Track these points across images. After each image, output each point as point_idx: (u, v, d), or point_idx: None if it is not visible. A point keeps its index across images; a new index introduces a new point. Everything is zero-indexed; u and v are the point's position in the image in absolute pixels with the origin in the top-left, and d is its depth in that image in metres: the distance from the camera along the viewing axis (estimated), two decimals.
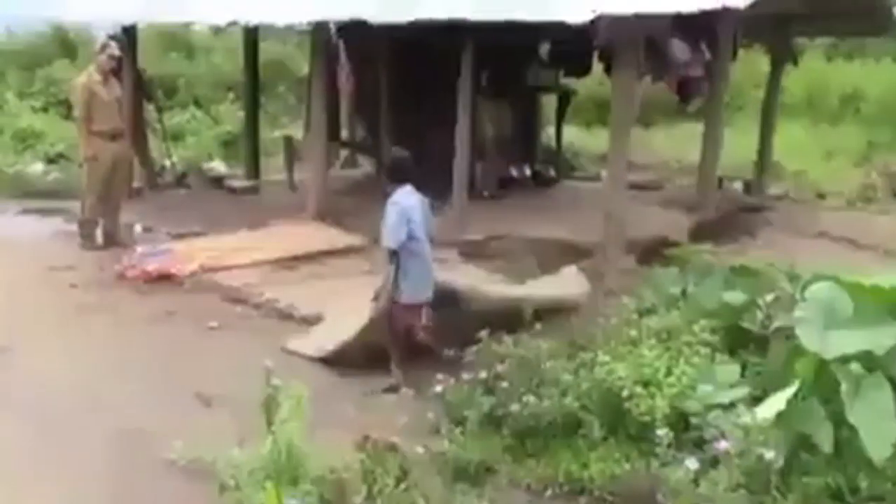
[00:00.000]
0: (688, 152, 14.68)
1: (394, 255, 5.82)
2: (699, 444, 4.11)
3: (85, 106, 8.96)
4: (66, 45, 18.92)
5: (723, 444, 3.72)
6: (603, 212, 8.45)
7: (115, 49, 9.37)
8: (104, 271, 8.19)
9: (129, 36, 11.62)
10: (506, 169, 11.50)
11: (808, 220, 10.39)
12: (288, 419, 3.80)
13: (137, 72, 11.80)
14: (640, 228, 8.70)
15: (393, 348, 5.87)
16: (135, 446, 4.79)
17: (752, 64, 15.47)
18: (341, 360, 6.12)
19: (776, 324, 4.49)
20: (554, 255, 8.49)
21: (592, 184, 12.57)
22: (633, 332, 5.07)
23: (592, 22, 7.78)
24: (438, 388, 4.94)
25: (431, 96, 10.05)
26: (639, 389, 4.47)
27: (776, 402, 3.90)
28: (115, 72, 9.53)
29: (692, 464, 3.68)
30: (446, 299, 6.00)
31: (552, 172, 12.15)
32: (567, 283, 7.42)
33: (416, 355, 5.81)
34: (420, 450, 4.46)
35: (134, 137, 10.70)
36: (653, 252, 8.59)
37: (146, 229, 9.88)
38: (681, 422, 4.30)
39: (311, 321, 6.87)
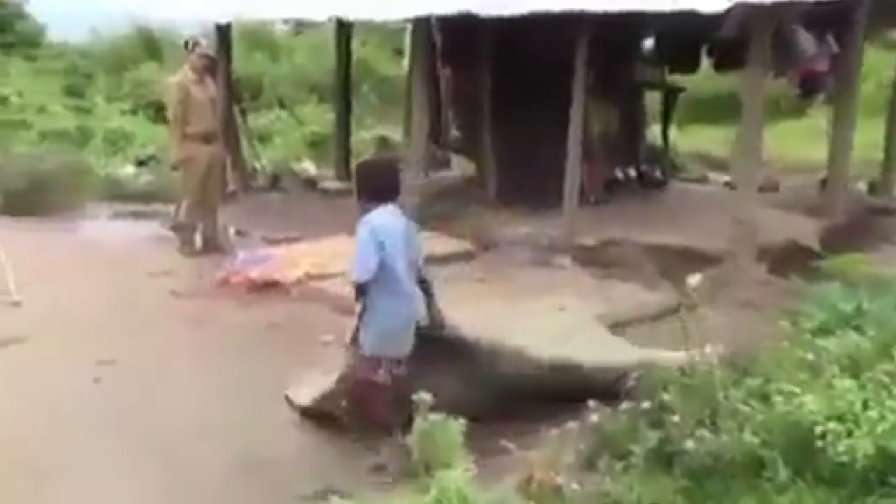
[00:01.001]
0: (788, 150, 13.98)
1: (360, 290, 4.60)
2: None
3: (179, 107, 8.67)
4: (151, 46, 18.90)
5: None
6: (728, 216, 7.89)
7: (206, 48, 9.07)
8: (204, 278, 7.88)
9: (221, 35, 11.37)
10: (611, 170, 10.93)
11: None
12: (449, 460, 3.34)
13: (230, 72, 11.54)
14: (766, 234, 8.08)
15: (347, 414, 4.68)
16: (259, 480, 4.39)
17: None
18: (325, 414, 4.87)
19: None
20: (676, 263, 7.92)
21: (702, 186, 11.98)
22: (810, 357, 4.48)
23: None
24: (594, 418, 4.43)
25: (536, 95, 9.55)
26: (832, 426, 3.90)
27: None
28: (210, 71, 9.25)
29: None
30: (454, 350, 4.78)
31: (659, 174, 11.53)
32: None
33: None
34: (575, 486, 3.98)
35: (226, 139, 10.43)
36: (784, 260, 7.97)
37: (239, 233, 9.60)
38: (891, 465, 3.72)
39: None
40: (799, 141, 14.35)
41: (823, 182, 10.86)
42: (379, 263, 4.51)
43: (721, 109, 17.87)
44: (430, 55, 9.88)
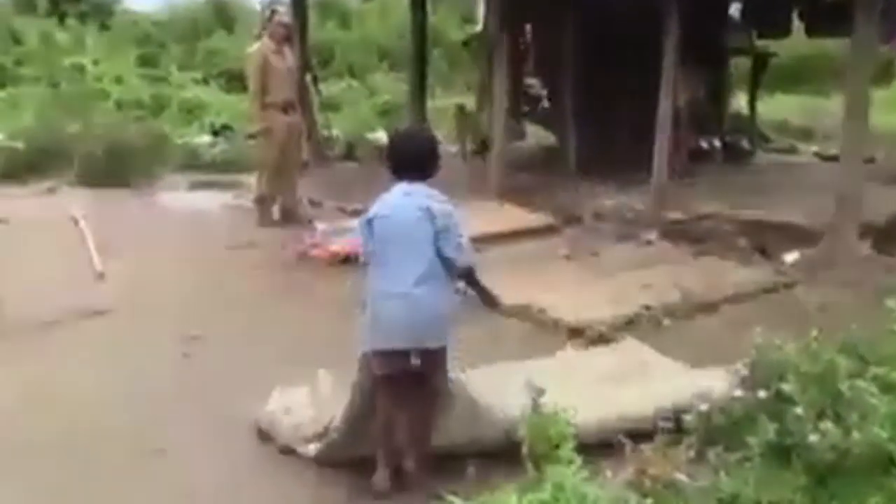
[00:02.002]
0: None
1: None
2: None
3: (259, 76, 8.56)
4: (223, 16, 18.95)
5: None
6: (827, 189, 7.53)
7: (285, 16, 8.94)
8: (285, 250, 7.79)
9: (296, 2, 11.23)
10: (697, 141, 10.56)
11: None
12: (563, 455, 3.15)
13: (305, 40, 11.41)
14: (868, 209, 7.68)
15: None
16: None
17: None
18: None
19: None
20: (772, 239, 7.62)
21: (790, 157, 11.55)
22: None
23: None
24: (702, 406, 4.19)
25: (620, 61, 9.24)
26: None
27: None
28: (288, 40, 9.12)
29: None
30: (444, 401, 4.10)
31: (746, 144, 11.11)
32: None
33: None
34: (681, 476, 3.76)
35: (301, 109, 10.31)
36: (890, 238, 7.58)
37: (313, 203, 9.50)
38: None
39: (517, 313, 6.21)
40: (879, 109, 13.75)
41: None
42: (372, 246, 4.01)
43: (797, 77, 17.30)
44: (510, 20, 9.58)
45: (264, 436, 4.49)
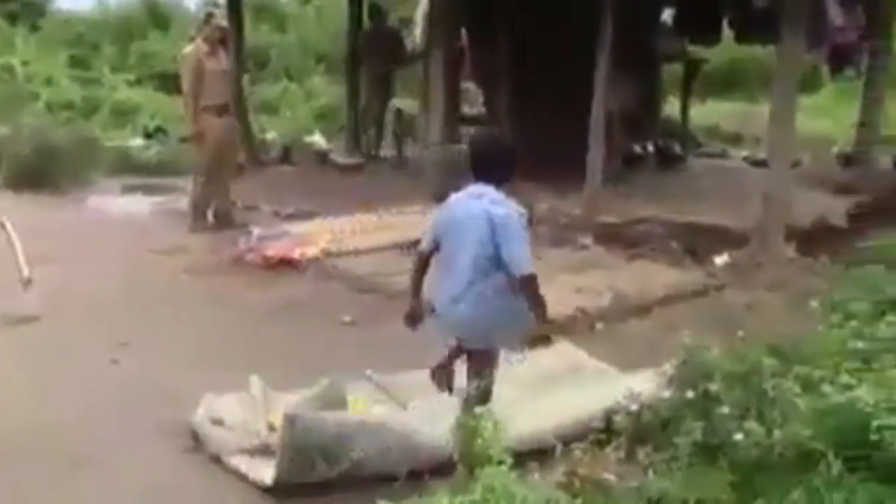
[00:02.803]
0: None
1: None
2: None
3: (194, 79, 8.45)
4: (157, 17, 18.61)
5: None
6: (754, 193, 7.71)
7: (222, 19, 8.85)
8: (218, 255, 7.70)
9: (231, 4, 11.12)
10: (629, 146, 10.70)
11: None
12: (493, 456, 3.17)
13: (241, 43, 11.30)
14: (794, 212, 7.87)
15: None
16: None
17: None
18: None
19: None
20: (702, 242, 7.76)
21: (721, 161, 11.78)
22: (860, 345, 4.30)
23: None
24: (632, 407, 4.25)
25: (555, 67, 9.31)
26: (891, 419, 3.72)
27: None
28: (223, 43, 9.02)
29: None
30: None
31: (678, 149, 11.30)
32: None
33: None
34: (610, 476, 3.81)
35: (236, 112, 10.21)
36: (814, 240, 7.78)
37: (248, 207, 9.40)
38: None
39: None
40: (806, 115, 14.11)
41: (843, 157, 10.66)
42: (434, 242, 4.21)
43: (729, 83, 17.63)
44: (448, 24, 9.61)
45: (194, 443, 4.43)
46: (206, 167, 8.61)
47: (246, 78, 12.40)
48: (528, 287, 4.05)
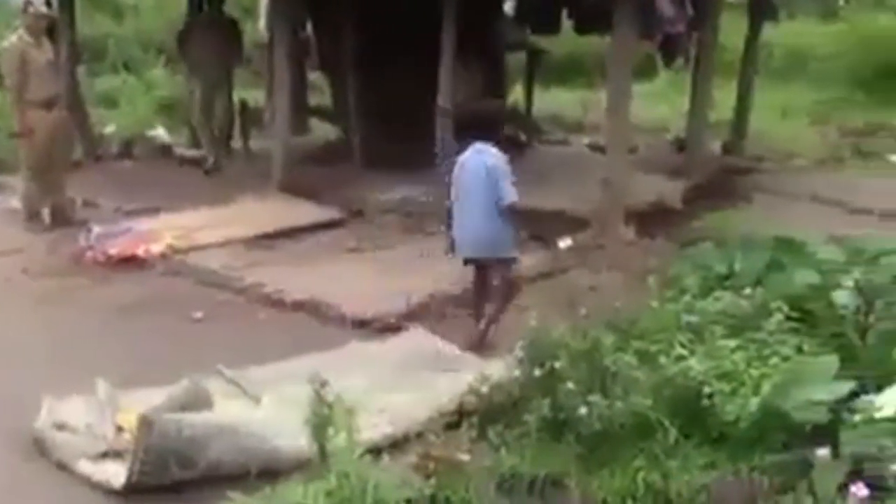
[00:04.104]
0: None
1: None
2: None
3: (18, 72, 8.03)
4: None
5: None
6: (596, 178, 8.00)
7: (40, 6, 8.39)
8: (58, 254, 7.38)
9: None
10: None
11: (794, 182, 10.05)
12: (343, 440, 3.20)
13: (73, 33, 10.82)
14: (632, 195, 8.22)
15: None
16: None
17: None
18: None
19: (879, 308, 4.03)
20: (547, 227, 7.98)
21: (564, 148, 12.13)
22: (693, 319, 4.57)
23: None
24: (483, 388, 4.37)
25: (400, 56, 9.37)
26: (718, 386, 3.98)
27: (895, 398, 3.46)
28: (49, 33, 8.62)
29: (860, 490, 3.17)
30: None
31: (523, 137, 11.57)
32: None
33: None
34: (464, 457, 3.92)
35: (71, 105, 9.79)
36: (651, 222, 8.15)
37: (88, 204, 9.02)
38: (775, 422, 3.82)
39: (303, 308, 6.21)
40: (644, 101, 14.75)
41: (677, 143, 11.22)
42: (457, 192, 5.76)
43: (571, 71, 18.18)
44: (291, 13, 9.52)
45: (38, 450, 4.26)
46: (35, 164, 8.21)
47: (82, 70, 11.85)
48: (512, 210, 5.68)
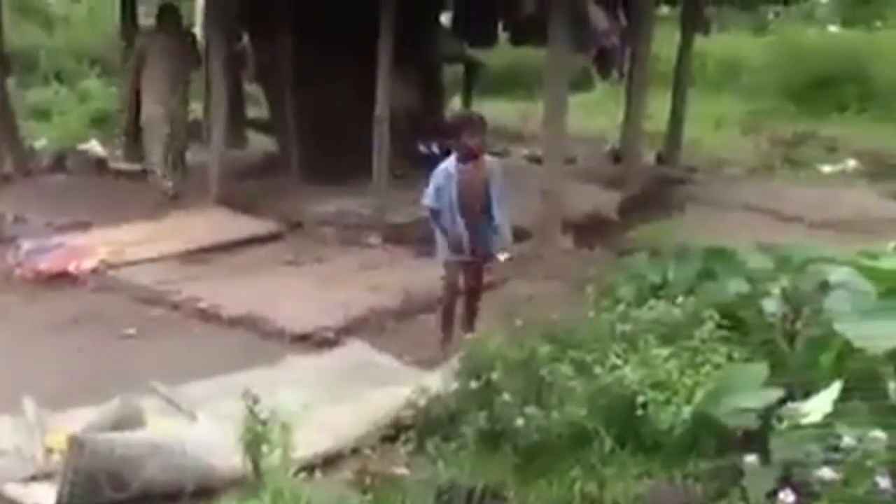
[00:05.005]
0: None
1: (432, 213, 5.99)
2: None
3: None
4: None
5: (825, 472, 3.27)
6: (534, 189, 8.06)
7: None
8: None
9: None
10: (414, 145, 10.89)
11: (727, 191, 10.25)
12: (278, 457, 3.17)
13: (2, 44, 10.59)
14: (570, 206, 8.31)
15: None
16: None
17: None
18: None
19: (806, 315, 4.12)
20: None
21: (504, 159, 12.16)
22: (627, 328, 4.62)
23: None
24: (421, 401, 4.36)
25: (337, 67, 9.35)
26: (652, 394, 4.03)
27: (821, 404, 3.54)
28: None
29: (788, 496, 3.24)
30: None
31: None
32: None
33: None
34: (401, 471, 3.93)
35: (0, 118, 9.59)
36: (588, 232, 8.25)
37: (18, 220, 8.81)
38: (707, 429, 3.89)
39: (241, 322, 6.15)
40: (581, 112, 14.94)
41: (613, 153, 11.37)
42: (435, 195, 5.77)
43: (510, 83, 18.33)
44: (225, 24, 9.43)
45: None
46: None
47: (12, 82, 11.59)
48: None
